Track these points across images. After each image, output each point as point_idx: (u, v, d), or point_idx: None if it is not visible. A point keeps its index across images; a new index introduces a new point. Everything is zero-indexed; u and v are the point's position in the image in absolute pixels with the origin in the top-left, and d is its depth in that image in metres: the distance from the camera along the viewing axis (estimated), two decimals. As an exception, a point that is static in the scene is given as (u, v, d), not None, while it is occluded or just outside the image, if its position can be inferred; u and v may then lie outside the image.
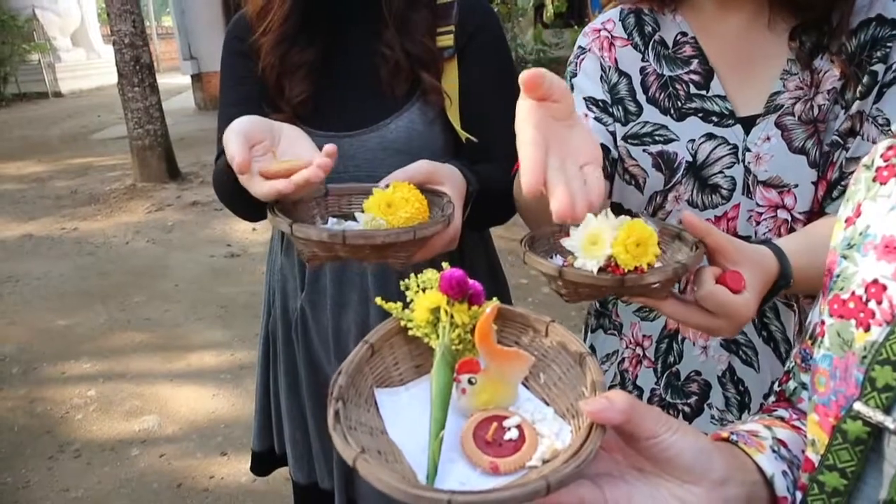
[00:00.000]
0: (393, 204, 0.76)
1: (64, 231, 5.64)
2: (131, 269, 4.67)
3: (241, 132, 0.76)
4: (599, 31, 1.00)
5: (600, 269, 0.66)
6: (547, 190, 0.52)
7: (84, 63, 17.93)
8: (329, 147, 0.76)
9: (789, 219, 0.87)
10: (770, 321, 0.92)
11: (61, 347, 3.56)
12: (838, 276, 0.51)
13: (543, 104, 0.60)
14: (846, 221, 0.53)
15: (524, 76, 0.58)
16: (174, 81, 16.19)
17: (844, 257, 0.51)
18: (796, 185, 0.85)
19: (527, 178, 0.52)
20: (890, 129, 0.76)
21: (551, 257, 0.76)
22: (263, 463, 1.37)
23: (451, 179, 0.88)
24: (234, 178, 0.79)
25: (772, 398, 0.67)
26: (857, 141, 0.82)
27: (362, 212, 0.79)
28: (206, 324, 3.77)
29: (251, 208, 0.86)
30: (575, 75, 1.00)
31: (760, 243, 0.75)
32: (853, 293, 0.48)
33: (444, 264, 0.62)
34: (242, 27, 1.11)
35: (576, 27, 7.85)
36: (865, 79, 0.81)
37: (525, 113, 0.59)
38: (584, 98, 0.98)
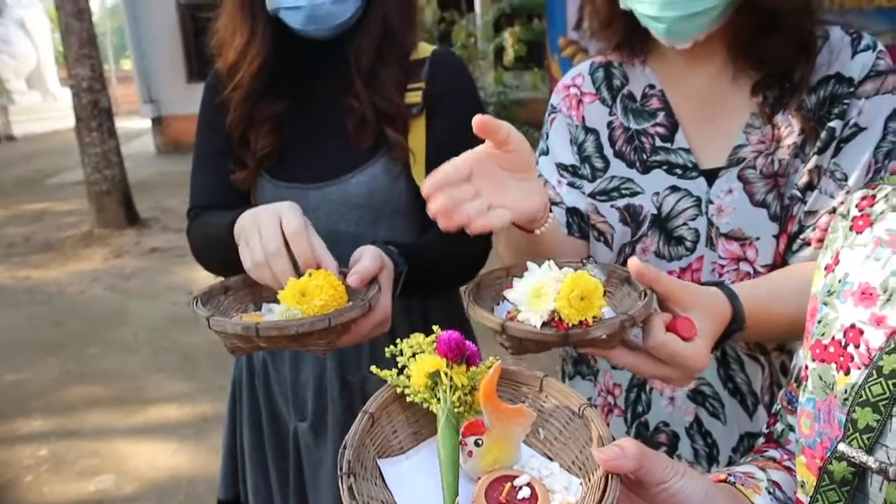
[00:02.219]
0: (307, 292, 0.76)
1: (16, 280, 5.44)
2: (87, 319, 4.51)
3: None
4: (569, 87, 1.02)
5: (544, 323, 0.65)
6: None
7: (39, 106, 17.66)
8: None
9: (752, 272, 0.87)
10: (735, 373, 0.92)
11: (10, 404, 3.39)
12: (819, 321, 0.54)
13: (496, 153, 0.69)
14: (826, 269, 0.56)
15: (476, 119, 0.66)
16: (133, 125, 16.03)
17: (825, 304, 0.54)
18: (758, 238, 0.86)
19: (426, 182, 0.65)
20: (846, 184, 0.79)
21: (498, 304, 0.75)
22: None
23: (385, 263, 0.88)
24: (231, 245, 0.85)
25: (760, 440, 0.68)
26: (815, 194, 0.83)
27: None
28: (167, 375, 3.64)
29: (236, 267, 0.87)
30: (548, 136, 1.02)
31: (713, 285, 0.75)
32: (833, 338, 0.51)
33: (436, 328, 0.62)
34: (217, 79, 1.11)
35: (535, 70, 8.03)
36: (823, 134, 0.82)
37: (471, 151, 0.69)
38: (556, 164, 1.00)
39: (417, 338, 0.64)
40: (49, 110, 17.74)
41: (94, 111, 6.47)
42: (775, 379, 0.90)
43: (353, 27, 1.03)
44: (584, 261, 0.77)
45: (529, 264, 0.72)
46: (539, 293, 0.66)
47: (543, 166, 1.01)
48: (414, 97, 1.06)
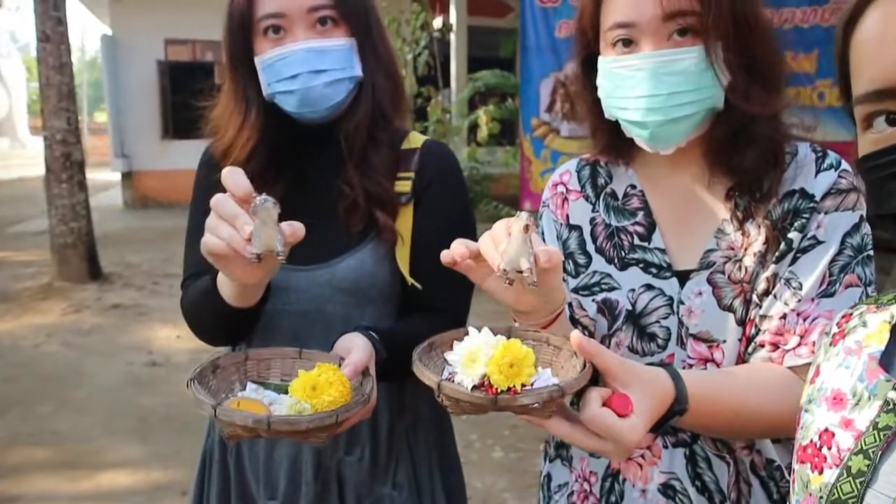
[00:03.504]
0: (318, 387, 0.79)
1: (-34, 331, 5.25)
2: (40, 376, 4.35)
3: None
4: (557, 185, 1.08)
5: (475, 387, 0.69)
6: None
7: (6, 153, 17.42)
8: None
9: None
10: (703, 472, 0.93)
11: (-48, 464, 3.22)
12: (802, 427, 0.58)
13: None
14: (809, 381, 0.61)
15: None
16: (102, 177, 15.86)
17: (806, 411, 0.59)
18: (724, 341, 0.90)
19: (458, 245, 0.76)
20: (801, 292, 0.85)
21: (449, 364, 0.78)
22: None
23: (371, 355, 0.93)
24: (220, 302, 0.86)
25: None
26: (770, 300, 0.88)
27: (280, 379, 0.83)
28: (121, 438, 3.51)
29: (232, 330, 0.90)
30: (541, 229, 1.08)
31: (659, 366, 0.78)
32: (811, 441, 0.55)
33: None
34: (211, 158, 1.14)
35: (507, 147, 8.27)
36: (782, 245, 0.88)
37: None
38: None
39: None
40: (16, 157, 17.54)
41: (67, 163, 6.42)
42: (743, 476, 0.93)
43: (345, 111, 1.08)
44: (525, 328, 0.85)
45: (470, 329, 0.77)
46: (474, 357, 0.71)
47: None
48: (403, 186, 1.10)
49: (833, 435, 0.53)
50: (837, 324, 0.61)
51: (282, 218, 1.11)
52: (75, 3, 12.25)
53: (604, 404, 0.70)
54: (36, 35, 6.19)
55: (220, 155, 1.11)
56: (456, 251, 0.77)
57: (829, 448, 0.53)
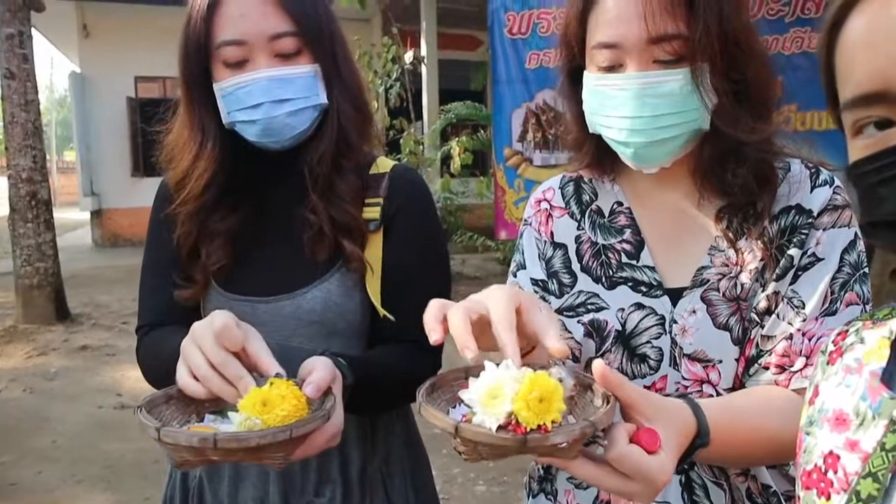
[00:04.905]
0: (269, 402, 0.74)
1: (-76, 378, 5.04)
2: (0, 424, 4.17)
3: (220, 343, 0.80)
4: (540, 202, 1.05)
5: (500, 427, 0.61)
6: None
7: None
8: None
9: (714, 394, 0.87)
10: (700, 499, 0.90)
11: None
12: (805, 451, 0.56)
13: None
14: (808, 402, 0.59)
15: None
16: (71, 216, 15.62)
17: (807, 433, 0.56)
18: (720, 361, 0.87)
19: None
20: (804, 311, 0.82)
21: (454, 407, 0.71)
22: None
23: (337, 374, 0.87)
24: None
25: None
26: (773, 319, 0.85)
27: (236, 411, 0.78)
28: (87, 487, 3.36)
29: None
30: (521, 249, 1.04)
31: (678, 397, 0.74)
32: (815, 465, 0.53)
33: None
34: (166, 192, 1.10)
35: (481, 178, 8.32)
36: (783, 262, 0.86)
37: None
38: (531, 279, 1.02)
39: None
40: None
41: (32, 202, 6.29)
42: (739, 503, 0.90)
43: (308, 138, 1.04)
44: (551, 361, 0.74)
45: (487, 363, 0.68)
46: (495, 394, 0.62)
47: (521, 279, 1.02)
48: (372, 212, 1.06)
49: (838, 458, 0.51)
50: (833, 341, 0.59)
51: (240, 248, 1.07)
52: (43, 41, 12.18)
53: (630, 441, 0.64)
54: (0, 72, 6.10)
55: (175, 185, 1.06)
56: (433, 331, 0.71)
57: (835, 472, 0.50)
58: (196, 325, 0.83)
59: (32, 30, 6.38)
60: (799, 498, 0.54)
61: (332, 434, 0.81)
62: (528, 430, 0.60)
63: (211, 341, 0.80)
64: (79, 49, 11.42)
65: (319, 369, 0.83)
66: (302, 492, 1.05)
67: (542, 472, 1.05)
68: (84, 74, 11.47)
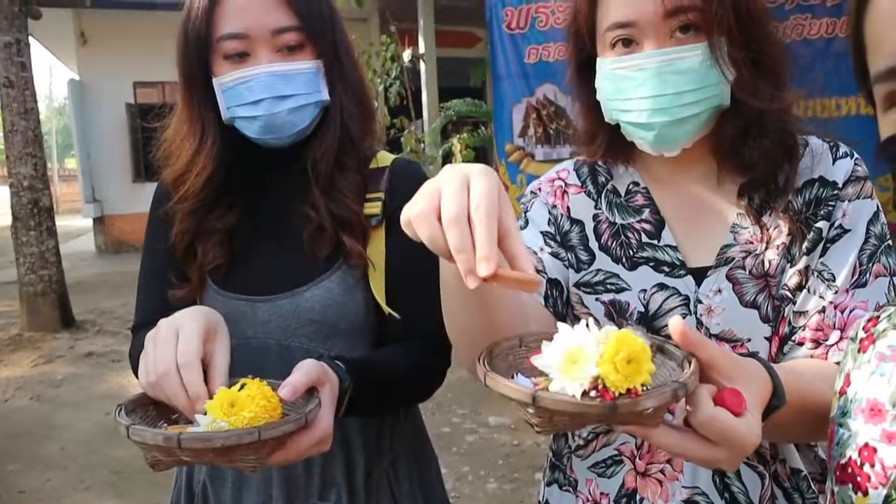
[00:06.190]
0: (237, 403, 0.72)
1: (-69, 389, 5.04)
2: (8, 432, 4.17)
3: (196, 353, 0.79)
4: (554, 180, 1.02)
5: (584, 393, 0.56)
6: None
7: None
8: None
9: None
10: (731, 482, 0.88)
11: (-87, 532, 3.05)
12: (837, 443, 0.54)
13: None
14: (839, 392, 0.57)
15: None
16: (74, 224, 15.65)
17: (840, 425, 0.54)
18: (749, 340, 0.86)
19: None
20: (835, 284, 0.82)
21: (512, 377, 0.65)
22: None
23: (329, 378, 0.85)
24: None
25: None
26: (804, 294, 0.84)
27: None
28: (96, 493, 3.36)
29: None
30: (526, 214, 1.01)
31: (747, 356, 0.70)
32: (850, 458, 0.51)
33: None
34: (163, 191, 1.08)
35: (483, 175, 8.25)
36: (811, 235, 0.85)
37: None
38: (541, 232, 0.98)
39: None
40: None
41: (34, 210, 6.29)
42: (774, 492, 0.87)
43: (310, 134, 1.03)
44: (624, 322, 0.70)
45: (560, 325, 0.62)
46: (575, 358, 0.57)
47: (527, 236, 0.97)
48: (373, 207, 1.04)
49: (875, 451, 0.49)
50: (864, 328, 0.57)
51: (238, 246, 1.06)
52: (41, 50, 12.18)
53: (715, 404, 0.60)
54: (-1, 81, 6.09)
55: (173, 182, 1.04)
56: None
57: (872, 465, 0.48)
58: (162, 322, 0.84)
59: (30, 38, 6.38)
60: (833, 492, 0.52)
61: (318, 439, 0.78)
62: (616, 394, 0.56)
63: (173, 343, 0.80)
64: (77, 56, 11.41)
65: (301, 372, 0.81)
66: (306, 496, 1.03)
67: (552, 458, 1.03)
68: (83, 81, 11.45)
